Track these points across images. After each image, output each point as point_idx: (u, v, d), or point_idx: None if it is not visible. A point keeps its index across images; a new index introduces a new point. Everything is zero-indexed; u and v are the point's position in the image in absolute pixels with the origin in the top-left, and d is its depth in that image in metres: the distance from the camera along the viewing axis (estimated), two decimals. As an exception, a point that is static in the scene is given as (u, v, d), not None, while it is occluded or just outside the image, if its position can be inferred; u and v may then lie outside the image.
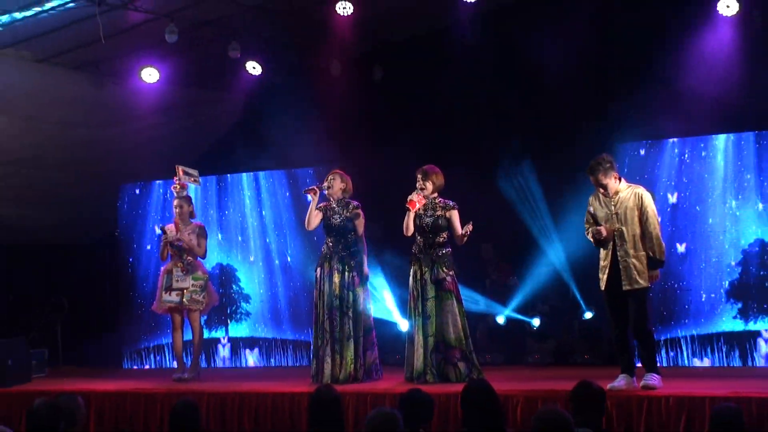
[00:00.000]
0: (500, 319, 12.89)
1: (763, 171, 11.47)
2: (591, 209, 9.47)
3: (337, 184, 10.76)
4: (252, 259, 13.87)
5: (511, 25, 13.40)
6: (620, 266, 9.25)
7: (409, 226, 10.32)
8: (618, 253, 9.27)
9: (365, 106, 14.24)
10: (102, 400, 10.76)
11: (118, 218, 14.52)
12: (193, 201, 12.17)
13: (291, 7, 13.10)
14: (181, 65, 13.56)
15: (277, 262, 13.77)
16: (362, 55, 14.50)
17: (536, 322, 12.84)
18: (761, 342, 11.32)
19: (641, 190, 9.40)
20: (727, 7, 11.81)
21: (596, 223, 9.39)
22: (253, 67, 13.96)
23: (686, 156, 11.88)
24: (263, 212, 13.87)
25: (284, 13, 13.19)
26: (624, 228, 9.24)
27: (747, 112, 12.04)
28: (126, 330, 14.34)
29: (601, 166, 9.29)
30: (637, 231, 9.24)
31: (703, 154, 11.79)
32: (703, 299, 11.67)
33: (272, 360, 13.64)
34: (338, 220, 10.68)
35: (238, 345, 13.80)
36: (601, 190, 9.35)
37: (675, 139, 11.97)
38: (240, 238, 13.95)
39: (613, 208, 9.31)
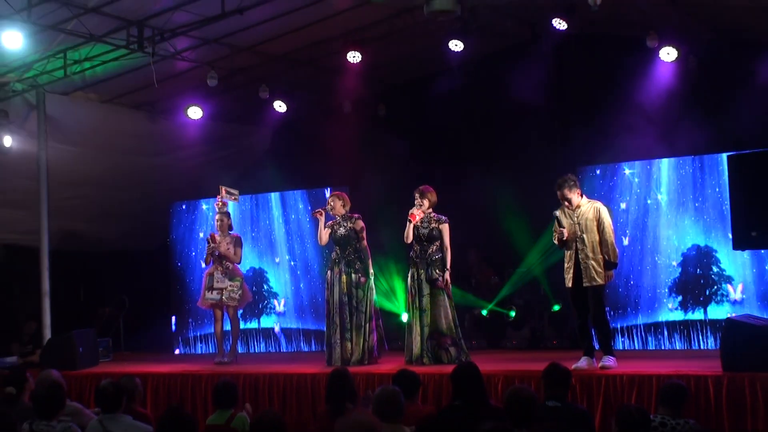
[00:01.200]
0: (484, 312, 12.87)
1: (697, 188, 11.47)
2: (557, 218, 9.48)
3: (337, 204, 10.69)
4: (278, 260, 13.86)
5: (490, 69, 13.40)
6: (581, 267, 9.23)
7: (409, 235, 10.27)
8: (579, 256, 9.24)
9: (371, 137, 14.24)
10: (156, 380, 10.72)
11: (169, 230, 14.51)
12: (231, 216, 12.16)
13: (309, 56, 13.15)
14: (220, 104, 13.59)
15: (295, 265, 13.75)
16: (369, 95, 14.48)
17: (513, 313, 12.82)
18: (697, 329, 11.33)
19: (599, 204, 9.39)
20: (668, 54, 11.86)
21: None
22: (279, 106, 13.96)
23: (635, 176, 11.88)
24: (289, 225, 13.85)
25: (304, 61, 13.23)
26: (585, 235, 9.22)
27: (685, 140, 12.01)
28: (176, 321, 14.34)
29: (567, 183, 9.30)
30: (596, 238, 9.22)
31: (650, 174, 11.79)
32: (650, 294, 11.67)
33: (296, 346, 13.62)
34: (343, 231, 10.62)
35: (268, 334, 13.79)
36: (566, 204, 9.35)
37: (625, 163, 11.95)
38: (269, 246, 13.94)
39: (575, 218, 9.31)
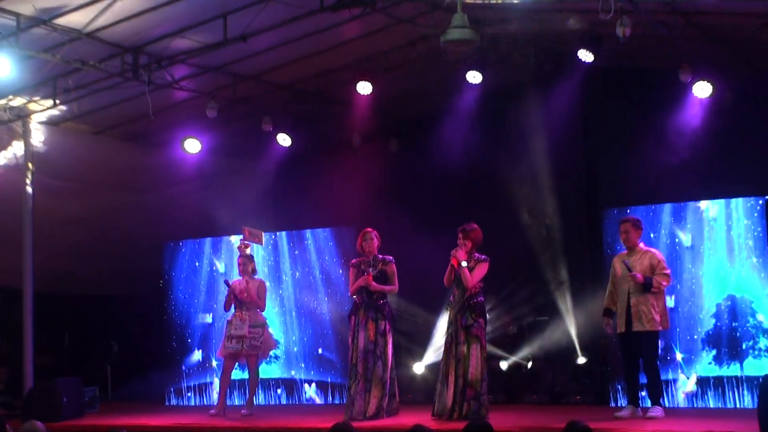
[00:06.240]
0: (503, 365, 12.85)
1: (732, 234, 11.45)
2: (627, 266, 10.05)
3: (374, 243, 10.80)
4: (276, 309, 13.81)
5: (510, 103, 13.50)
6: (632, 312, 9.98)
7: (448, 278, 10.41)
8: (631, 301, 9.98)
9: (382, 174, 14.34)
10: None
11: (162, 272, 14.50)
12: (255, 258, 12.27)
13: (316, 87, 13.25)
14: (220, 137, 13.65)
15: (301, 310, 13.74)
16: (379, 129, 14.56)
17: (529, 364, 12.81)
18: (732, 386, 11.31)
19: (655, 251, 10.35)
20: (702, 89, 11.95)
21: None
22: (284, 139, 14.05)
23: (666, 219, 11.89)
24: (294, 270, 13.81)
25: (311, 92, 13.34)
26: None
27: (721, 181, 12.08)
28: (168, 370, 14.32)
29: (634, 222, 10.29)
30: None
31: (682, 218, 11.79)
32: (680, 347, 11.64)
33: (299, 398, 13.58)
34: (373, 273, 10.74)
35: (270, 384, 13.72)
36: (623, 238, 10.18)
37: (656, 205, 11.89)
38: (274, 289, 13.82)
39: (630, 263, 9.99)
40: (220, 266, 13.91)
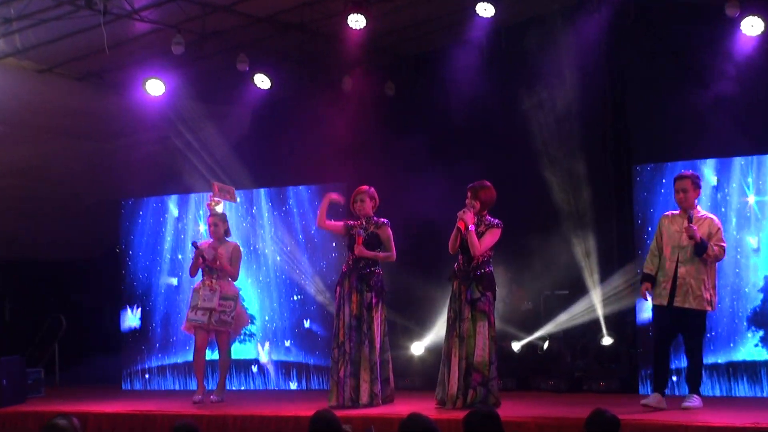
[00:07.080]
0: (515, 346, 12.83)
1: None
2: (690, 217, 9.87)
3: (368, 204, 10.74)
4: (251, 279, 13.80)
5: (525, 40, 13.50)
6: (677, 284, 9.82)
7: (453, 244, 10.33)
8: (678, 271, 9.79)
9: (376, 121, 14.29)
10: (99, 421, 10.78)
11: (119, 235, 14.44)
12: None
13: (301, 20, 13.18)
14: (187, 77, 13.65)
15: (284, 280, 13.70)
16: (374, 69, 14.60)
17: (545, 345, 12.80)
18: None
19: (714, 217, 10.11)
20: (752, 26, 11.90)
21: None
22: (262, 81, 14.00)
23: (707, 177, 11.80)
24: (274, 232, 13.74)
25: (294, 25, 13.27)
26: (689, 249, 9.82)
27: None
28: (124, 350, 14.26)
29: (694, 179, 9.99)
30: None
31: (726, 175, 11.71)
32: (722, 327, 11.60)
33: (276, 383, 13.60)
34: (363, 236, 10.68)
35: (244, 366, 13.73)
36: (681, 197, 9.88)
37: (695, 161, 11.84)
38: (249, 256, 13.79)
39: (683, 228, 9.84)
40: (182, 219, 13.93)
